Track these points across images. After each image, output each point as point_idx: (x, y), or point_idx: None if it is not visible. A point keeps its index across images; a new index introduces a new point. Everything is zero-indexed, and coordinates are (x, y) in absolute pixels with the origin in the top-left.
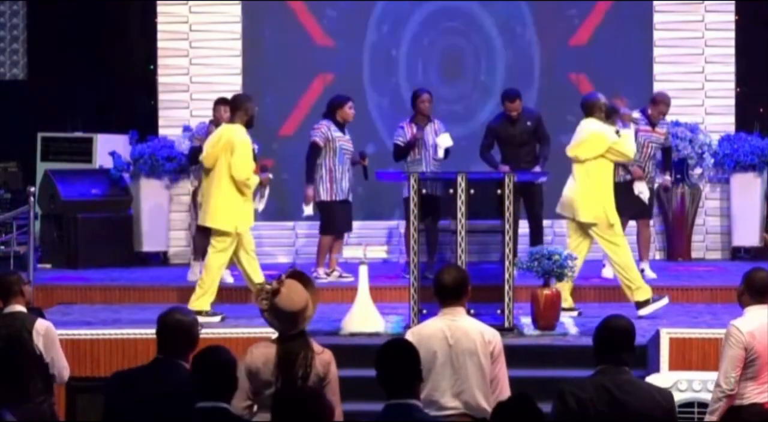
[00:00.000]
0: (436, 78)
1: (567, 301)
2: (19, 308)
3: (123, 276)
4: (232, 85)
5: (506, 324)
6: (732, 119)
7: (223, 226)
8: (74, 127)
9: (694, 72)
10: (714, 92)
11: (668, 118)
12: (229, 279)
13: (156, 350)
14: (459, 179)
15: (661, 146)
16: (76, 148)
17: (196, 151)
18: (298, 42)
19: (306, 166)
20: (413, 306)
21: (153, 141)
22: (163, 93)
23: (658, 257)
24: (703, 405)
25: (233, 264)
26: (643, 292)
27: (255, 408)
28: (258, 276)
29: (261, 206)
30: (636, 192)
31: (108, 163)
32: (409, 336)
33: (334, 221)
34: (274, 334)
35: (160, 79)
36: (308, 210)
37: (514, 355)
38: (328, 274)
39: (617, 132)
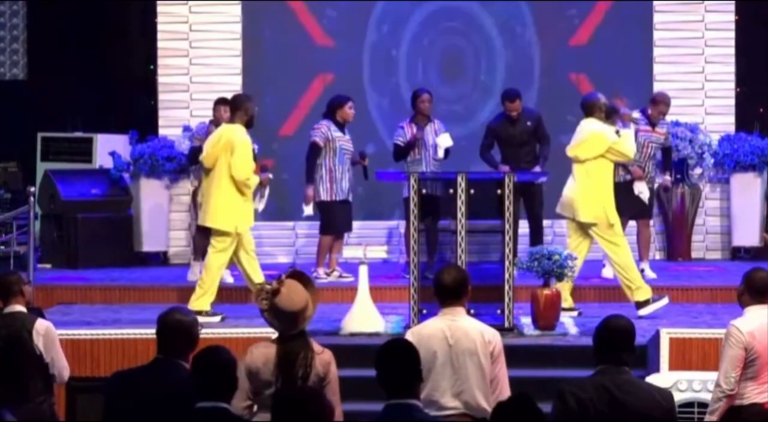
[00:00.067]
0: (436, 78)
1: (567, 301)
2: (19, 308)
3: (123, 276)
4: (232, 85)
5: (506, 324)
6: (732, 119)
7: (222, 226)
8: (74, 127)
9: (694, 72)
10: (714, 92)
11: (668, 118)
12: (229, 279)
13: (156, 350)
14: (459, 179)
15: (661, 146)
16: (76, 148)
17: (196, 151)
18: (298, 42)
19: (306, 166)
20: (413, 306)
21: (153, 141)
22: (163, 93)
23: (658, 257)
24: (703, 405)
25: (233, 264)
26: (643, 292)
27: (255, 408)
28: (258, 277)
29: (261, 206)
30: (636, 192)
31: (108, 163)
32: (409, 336)
33: (334, 221)
34: (274, 334)
35: (160, 79)
36: (308, 210)
37: (514, 355)
38: (328, 274)
39: (617, 132)
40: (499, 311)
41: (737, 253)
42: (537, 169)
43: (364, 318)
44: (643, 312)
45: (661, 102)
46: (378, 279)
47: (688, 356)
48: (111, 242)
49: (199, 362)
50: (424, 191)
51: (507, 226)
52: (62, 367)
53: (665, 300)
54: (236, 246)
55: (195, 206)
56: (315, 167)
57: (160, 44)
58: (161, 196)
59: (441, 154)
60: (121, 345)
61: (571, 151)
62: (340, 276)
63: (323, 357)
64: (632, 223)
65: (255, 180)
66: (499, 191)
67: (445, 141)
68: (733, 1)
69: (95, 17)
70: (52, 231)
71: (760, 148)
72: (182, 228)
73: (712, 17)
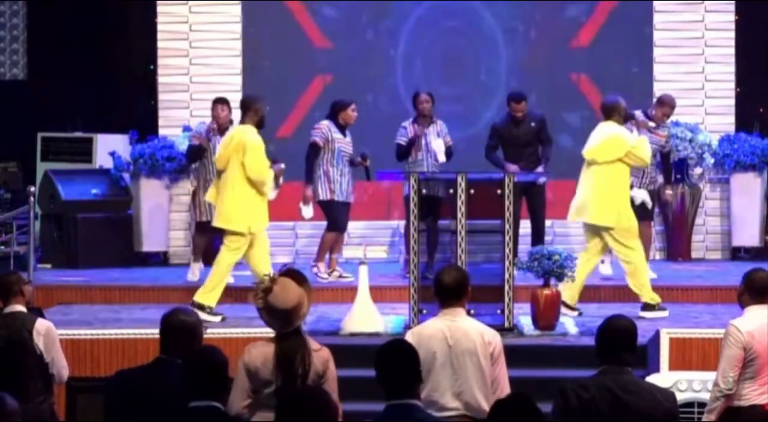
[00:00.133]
0: (436, 78)
1: (573, 299)
2: (19, 308)
3: (123, 276)
4: (232, 85)
5: (506, 324)
6: (732, 119)
7: (236, 227)
8: (74, 127)
9: (694, 72)
10: (714, 92)
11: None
12: (230, 280)
13: (158, 350)
14: (459, 179)
15: (660, 149)
16: (76, 148)
17: (194, 150)
18: (296, 43)
19: (305, 166)
20: (413, 306)
21: (153, 141)
22: (163, 93)
23: (658, 257)
24: (703, 405)
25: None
26: (652, 297)
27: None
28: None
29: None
30: (637, 202)
31: (108, 163)
32: (409, 336)
33: (338, 219)
34: (272, 334)
35: (160, 79)
36: (307, 211)
37: (514, 355)
38: (329, 273)
39: None
40: (499, 311)
41: (737, 253)
42: (540, 169)
43: (364, 318)
44: (645, 314)
45: (666, 103)
46: (378, 279)
47: (688, 356)
48: (111, 242)
49: (191, 362)
50: (424, 191)
51: (507, 226)
52: (62, 367)
53: (666, 313)
54: (249, 245)
55: (195, 206)
56: (314, 167)
57: (160, 44)
58: (161, 196)
59: (441, 158)
60: (121, 345)
61: (588, 154)
62: (340, 276)
63: (321, 355)
64: None
65: (270, 175)
66: (499, 191)
67: (439, 146)
68: (733, 1)
69: (95, 17)
70: (52, 231)
71: (760, 148)
72: (182, 228)
73: (712, 17)
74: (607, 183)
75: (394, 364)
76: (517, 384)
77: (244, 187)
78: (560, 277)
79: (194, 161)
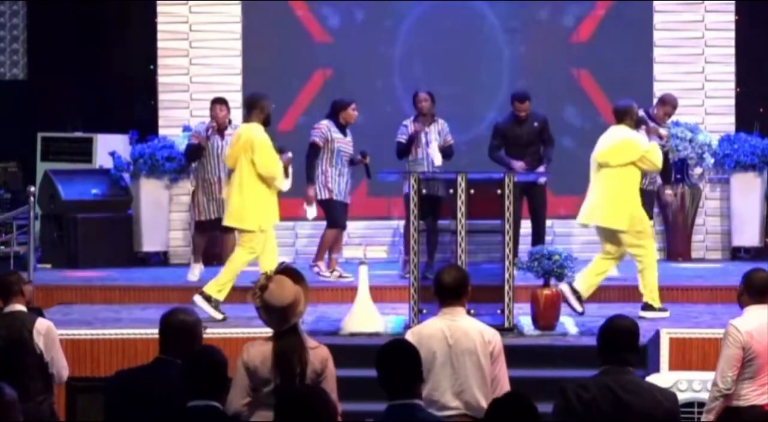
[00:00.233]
0: (436, 78)
1: (586, 293)
2: (20, 307)
3: (123, 276)
4: (232, 85)
5: (506, 324)
6: (732, 119)
7: (248, 226)
8: (74, 127)
9: (694, 72)
10: (714, 92)
11: None
12: None
13: (158, 350)
14: (459, 179)
15: (660, 148)
16: (76, 148)
17: (192, 149)
18: (296, 37)
19: (306, 166)
20: (413, 306)
21: (153, 141)
22: (163, 93)
23: (658, 257)
24: (703, 405)
25: None
26: (656, 299)
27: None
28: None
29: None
30: None
31: (108, 163)
32: (409, 336)
33: (338, 216)
34: (271, 333)
35: (160, 79)
36: (311, 211)
37: (514, 355)
38: (330, 272)
39: None
40: (499, 311)
41: (737, 253)
42: (541, 169)
43: (364, 318)
44: (646, 314)
45: (669, 103)
46: (378, 279)
47: (688, 356)
48: (111, 242)
49: (191, 362)
50: (424, 191)
51: (507, 226)
52: (62, 367)
53: (667, 314)
54: None
55: (194, 205)
56: (315, 167)
57: (160, 44)
58: (161, 195)
59: (438, 162)
60: (121, 345)
61: (601, 157)
62: (340, 276)
63: (320, 353)
64: None
65: (280, 169)
66: (499, 191)
67: (434, 151)
68: (733, 1)
69: (95, 17)
70: (52, 231)
71: (760, 148)
72: (182, 228)
73: (712, 17)
74: (619, 186)
75: (396, 364)
76: (517, 384)
77: (253, 185)
78: (560, 277)
79: (193, 160)
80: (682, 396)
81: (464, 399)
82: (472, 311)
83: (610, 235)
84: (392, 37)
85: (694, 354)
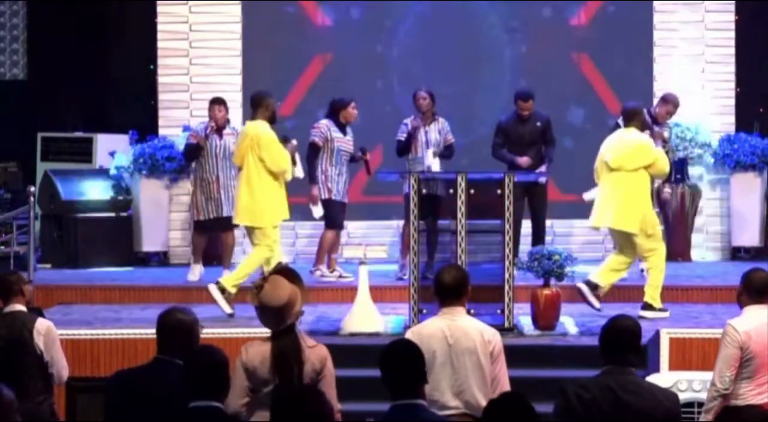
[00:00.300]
0: (436, 78)
1: (604, 288)
2: (20, 307)
3: (123, 276)
4: (232, 85)
5: (506, 324)
6: (732, 119)
7: (260, 223)
8: (74, 127)
9: (694, 72)
10: (714, 92)
11: None
12: None
13: (156, 350)
14: (459, 179)
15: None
16: (76, 148)
17: (191, 148)
18: (295, 22)
19: (308, 167)
20: (413, 306)
21: (153, 141)
22: (163, 93)
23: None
24: (703, 405)
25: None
26: (657, 299)
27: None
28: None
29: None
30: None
31: (108, 163)
32: (409, 335)
33: (336, 217)
34: (269, 334)
35: (160, 79)
36: (317, 210)
37: (514, 355)
38: (330, 272)
39: None
40: (499, 311)
41: (737, 253)
42: (543, 169)
43: (364, 318)
44: (646, 314)
45: (671, 102)
46: (378, 279)
47: (688, 356)
48: (111, 242)
49: (192, 362)
50: (424, 191)
51: (507, 226)
52: (62, 367)
53: (667, 314)
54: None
55: (193, 205)
56: (316, 167)
57: (160, 44)
58: (161, 195)
59: (436, 169)
60: (121, 345)
61: (615, 161)
62: (340, 276)
63: (318, 351)
64: None
65: (289, 162)
66: (499, 191)
67: (430, 158)
68: (733, 1)
69: (95, 17)
70: (52, 231)
71: (760, 148)
72: (182, 228)
73: (712, 17)
74: (631, 189)
75: (400, 364)
76: (517, 384)
77: (262, 182)
78: (560, 277)
79: (191, 160)
80: (682, 396)
81: (464, 398)
82: (472, 311)
83: (623, 237)
84: (392, 37)
85: (694, 354)
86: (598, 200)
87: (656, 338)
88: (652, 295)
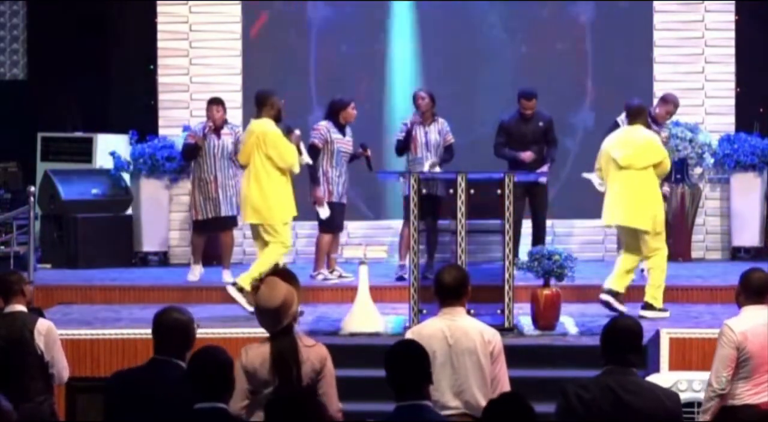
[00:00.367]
0: (436, 78)
1: (621, 287)
2: (20, 308)
3: (123, 276)
4: (232, 85)
5: (506, 324)
6: (732, 119)
7: (270, 220)
8: (74, 127)
9: (694, 72)
10: (714, 92)
11: None
12: (230, 279)
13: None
14: (459, 179)
15: None
16: (76, 148)
17: (189, 148)
18: (295, 36)
19: (308, 169)
20: (413, 306)
21: (153, 141)
22: (163, 93)
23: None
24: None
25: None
26: (658, 299)
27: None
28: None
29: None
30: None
31: (108, 163)
32: (409, 335)
33: (334, 219)
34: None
35: (160, 79)
36: (323, 211)
37: (514, 355)
38: (330, 272)
39: None
40: (499, 311)
41: (737, 253)
42: (544, 168)
43: (364, 318)
44: (646, 314)
45: (671, 102)
46: (378, 279)
47: (688, 356)
48: (111, 242)
49: (196, 363)
50: (424, 191)
51: (507, 226)
52: (62, 368)
53: (668, 314)
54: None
55: (192, 206)
56: (317, 168)
57: (160, 44)
58: (161, 196)
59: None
60: (121, 345)
61: (626, 160)
62: (341, 276)
63: (318, 351)
64: None
65: (296, 156)
66: (499, 191)
67: (427, 168)
68: (733, 1)
69: (95, 17)
70: (52, 231)
71: (760, 148)
72: (182, 228)
73: (712, 17)
74: (642, 187)
75: (404, 365)
76: (517, 384)
77: (270, 180)
78: (560, 277)
79: (189, 160)
80: (682, 396)
81: (464, 398)
82: (472, 311)
83: (631, 235)
84: (391, 37)
85: (694, 354)
86: (607, 198)
87: (656, 338)
88: (653, 295)
